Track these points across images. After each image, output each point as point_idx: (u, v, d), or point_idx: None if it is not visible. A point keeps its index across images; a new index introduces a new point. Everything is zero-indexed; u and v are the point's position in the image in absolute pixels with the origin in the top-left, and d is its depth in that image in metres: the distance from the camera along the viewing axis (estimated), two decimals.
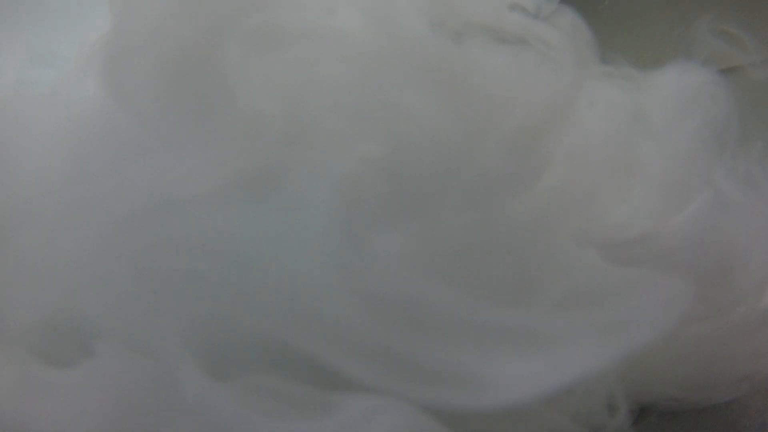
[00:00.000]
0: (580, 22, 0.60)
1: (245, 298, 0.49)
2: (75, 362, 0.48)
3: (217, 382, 0.46)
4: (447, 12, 0.56)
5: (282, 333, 0.47)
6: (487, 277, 0.49)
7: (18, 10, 0.61)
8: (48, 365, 0.49)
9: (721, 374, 0.60)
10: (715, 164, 0.66)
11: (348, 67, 0.50)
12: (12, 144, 0.54)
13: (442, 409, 0.44)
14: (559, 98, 0.54)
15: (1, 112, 0.55)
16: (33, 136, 0.54)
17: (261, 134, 0.49)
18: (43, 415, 0.47)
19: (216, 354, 0.48)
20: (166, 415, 0.45)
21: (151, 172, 0.50)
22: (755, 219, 0.63)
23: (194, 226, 0.49)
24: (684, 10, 0.88)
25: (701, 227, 0.59)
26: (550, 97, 0.53)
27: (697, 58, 0.69)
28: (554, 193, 0.54)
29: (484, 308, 0.47)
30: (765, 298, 0.62)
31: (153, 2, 0.51)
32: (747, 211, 0.63)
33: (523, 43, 0.59)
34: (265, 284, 0.48)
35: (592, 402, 0.52)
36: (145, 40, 0.50)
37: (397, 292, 0.47)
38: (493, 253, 0.50)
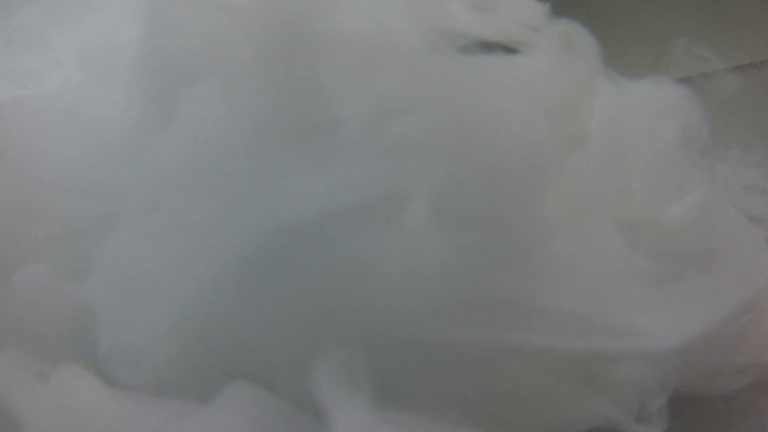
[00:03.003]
0: (580, 29, 0.62)
1: (379, 320, 0.48)
2: (203, 398, 0.45)
3: (374, 416, 0.44)
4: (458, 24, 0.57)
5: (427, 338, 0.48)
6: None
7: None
8: (171, 400, 0.46)
9: (713, 364, 0.61)
10: (693, 167, 0.70)
11: (406, 75, 0.51)
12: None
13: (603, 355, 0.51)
14: (577, 93, 0.56)
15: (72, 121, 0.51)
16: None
17: (358, 147, 0.48)
18: None
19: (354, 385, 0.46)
20: None
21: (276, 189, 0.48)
22: (730, 219, 0.67)
23: (310, 247, 0.48)
24: (658, 24, 0.92)
25: (690, 222, 0.63)
26: (570, 92, 0.55)
27: (672, 71, 0.72)
28: (584, 178, 0.58)
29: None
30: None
31: None
32: (723, 212, 0.67)
33: (537, 50, 0.60)
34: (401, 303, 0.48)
35: (632, 390, 0.53)
36: (242, 30, 0.49)
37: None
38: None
